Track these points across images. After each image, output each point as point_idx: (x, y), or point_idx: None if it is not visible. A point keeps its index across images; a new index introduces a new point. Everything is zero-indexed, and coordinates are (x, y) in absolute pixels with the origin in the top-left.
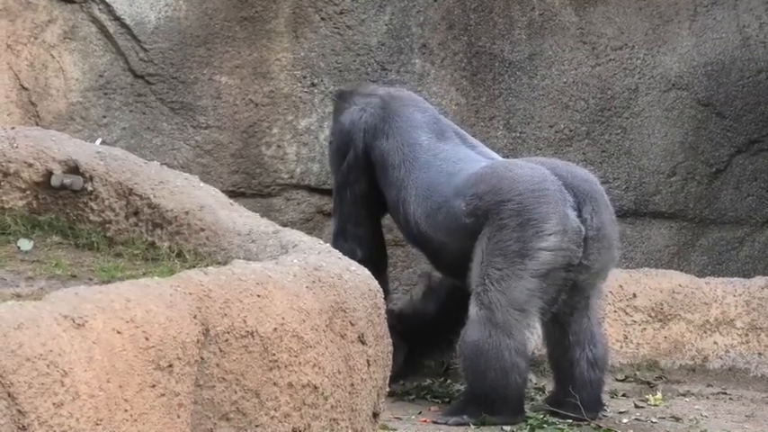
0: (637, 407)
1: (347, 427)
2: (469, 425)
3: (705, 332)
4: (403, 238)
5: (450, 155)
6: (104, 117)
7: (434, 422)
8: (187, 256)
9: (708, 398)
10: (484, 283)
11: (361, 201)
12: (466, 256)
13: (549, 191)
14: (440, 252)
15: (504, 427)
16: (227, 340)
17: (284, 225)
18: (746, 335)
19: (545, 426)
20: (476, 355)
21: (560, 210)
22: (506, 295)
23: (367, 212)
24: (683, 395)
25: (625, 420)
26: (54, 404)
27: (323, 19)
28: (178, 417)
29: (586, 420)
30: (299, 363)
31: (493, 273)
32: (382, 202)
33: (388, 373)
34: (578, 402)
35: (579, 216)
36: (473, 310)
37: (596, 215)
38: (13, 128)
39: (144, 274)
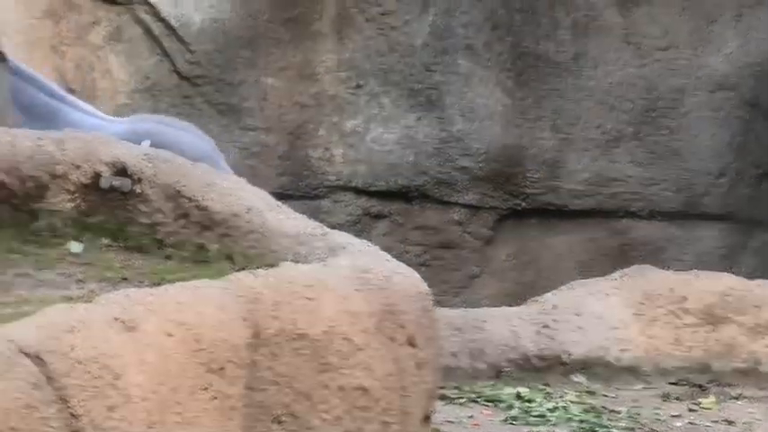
0: (690, 410)
1: (399, 430)
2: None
3: (757, 335)
4: (448, 242)
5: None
6: None
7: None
8: (236, 259)
9: (761, 401)
10: None
11: None
12: None
13: None
14: None
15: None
16: (277, 343)
17: (332, 227)
18: None
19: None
20: None
21: None
22: None
23: None
24: (736, 398)
25: (678, 424)
26: (107, 407)
27: (367, 20)
28: (230, 420)
29: None
30: (350, 365)
31: None
32: None
33: (439, 377)
34: None
35: None
36: None
37: None
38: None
39: (194, 276)
